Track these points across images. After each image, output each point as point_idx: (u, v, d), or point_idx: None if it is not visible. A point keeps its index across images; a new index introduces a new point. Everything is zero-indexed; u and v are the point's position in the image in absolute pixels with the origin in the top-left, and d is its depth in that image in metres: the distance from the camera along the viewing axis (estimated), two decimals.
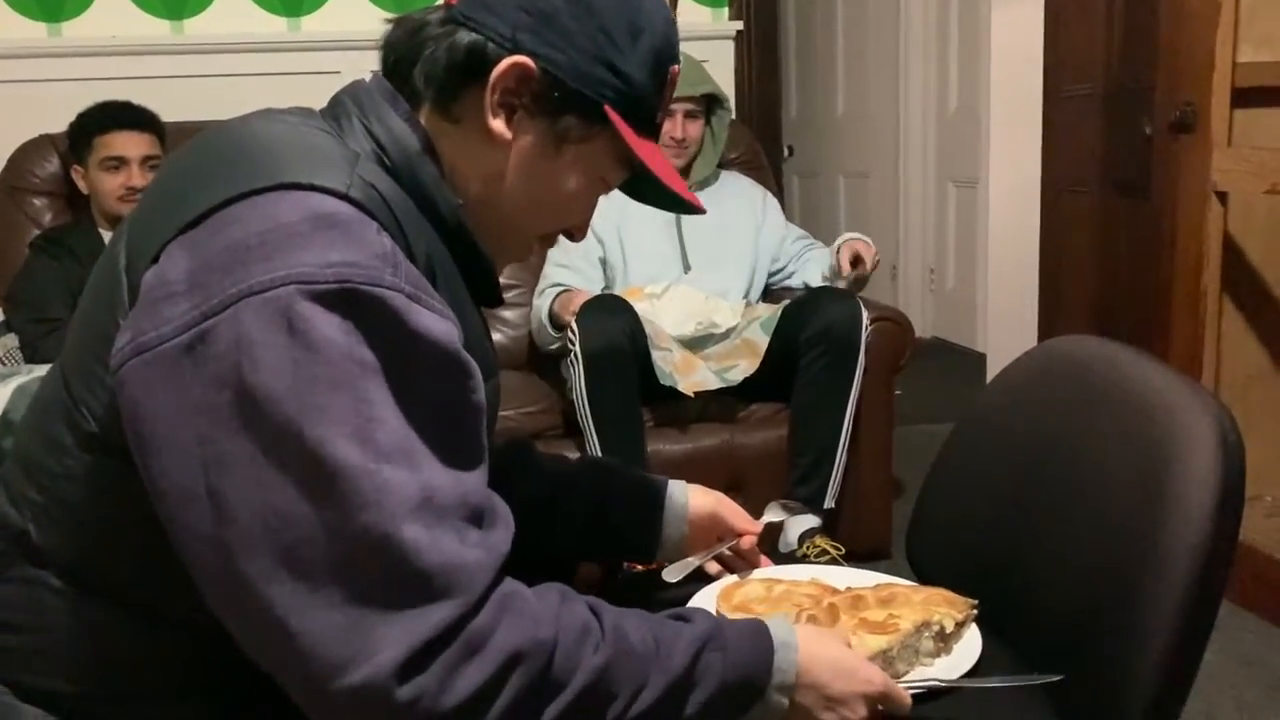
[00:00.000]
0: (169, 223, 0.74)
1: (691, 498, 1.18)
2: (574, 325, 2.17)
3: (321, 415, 0.68)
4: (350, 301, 0.69)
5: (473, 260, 0.89)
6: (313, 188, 0.73)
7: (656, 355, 2.18)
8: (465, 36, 0.83)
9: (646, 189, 0.93)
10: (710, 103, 2.48)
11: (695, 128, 2.45)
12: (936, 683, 0.99)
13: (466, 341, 0.81)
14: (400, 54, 0.87)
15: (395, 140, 0.84)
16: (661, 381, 2.17)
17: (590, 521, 1.16)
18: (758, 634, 0.84)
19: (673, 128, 2.41)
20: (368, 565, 0.68)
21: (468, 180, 0.87)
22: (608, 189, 0.93)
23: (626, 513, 1.17)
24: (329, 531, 0.68)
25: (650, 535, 1.16)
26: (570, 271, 2.43)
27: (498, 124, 0.85)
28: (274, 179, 0.73)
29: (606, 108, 0.85)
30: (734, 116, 2.54)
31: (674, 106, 2.39)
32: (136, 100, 2.38)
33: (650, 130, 0.91)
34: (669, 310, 2.32)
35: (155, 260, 0.73)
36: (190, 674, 0.82)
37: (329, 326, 0.69)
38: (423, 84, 0.85)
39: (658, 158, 0.90)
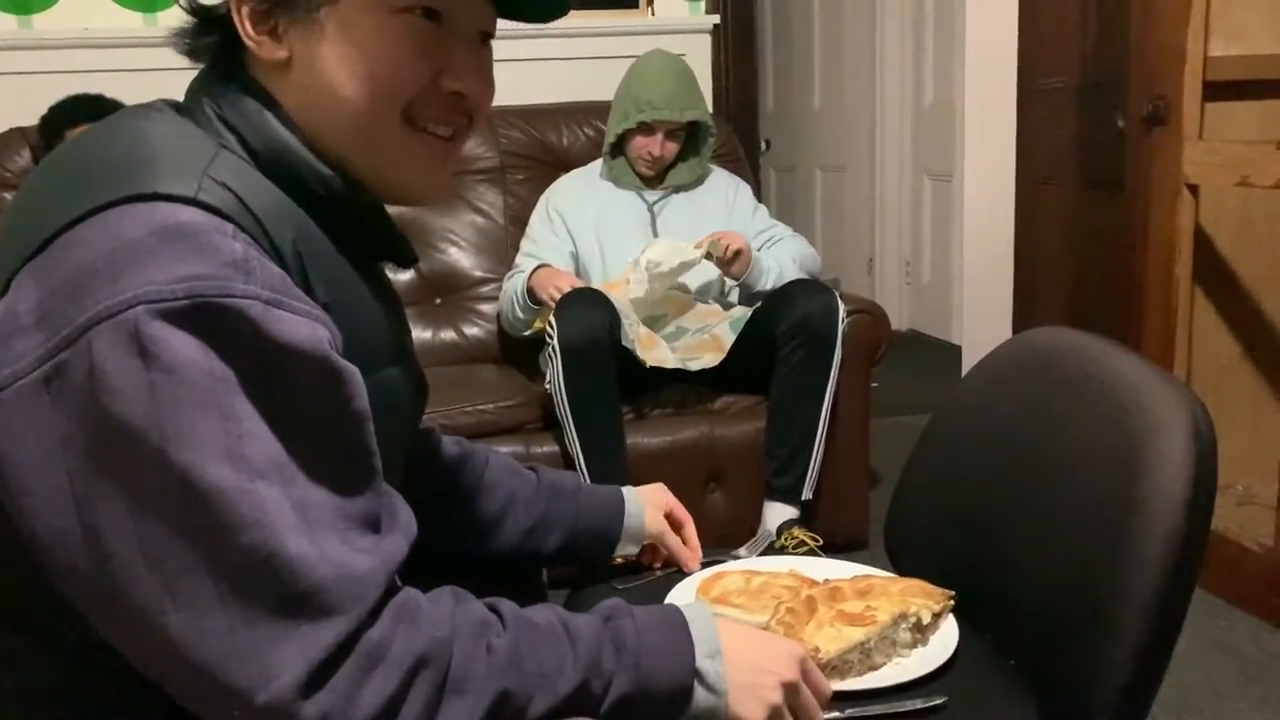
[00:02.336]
0: (16, 252, 0.71)
1: (647, 518, 1.22)
2: (552, 319, 2.16)
3: (187, 438, 0.66)
4: (203, 316, 0.66)
5: (367, 224, 0.86)
6: (157, 197, 0.70)
7: (624, 323, 2.18)
8: None
9: None
10: (697, 125, 2.48)
11: (673, 148, 2.45)
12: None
13: (357, 331, 0.79)
14: (186, 49, 0.85)
15: (249, 122, 0.81)
16: (621, 342, 2.17)
17: (546, 543, 1.17)
18: (665, 609, 0.84)
19: (650, 144, 2.41)
20: (256, 587, 0.66)
21: (296, 114, 0.82)
22: (431, 17, 0.82)
23: (585, 538, 1.19)
24: (211, 557, 0.66)
25: (605, 554, 1.22)
26: (534, 261, 2.43)
27: (267, 51, 0.80)
28: (117, 193, 0.70)
29: None
30: (715, 135, 2.53)
31: (657, 125, 2.39)
32: (109, 93, 2.36)
33: None
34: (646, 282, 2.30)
35: (4, 293, 0.70)
36: (108, 701, 0.78)
37: (183, 345, 0.66)
38: (213, 61, 0.83)
39: None
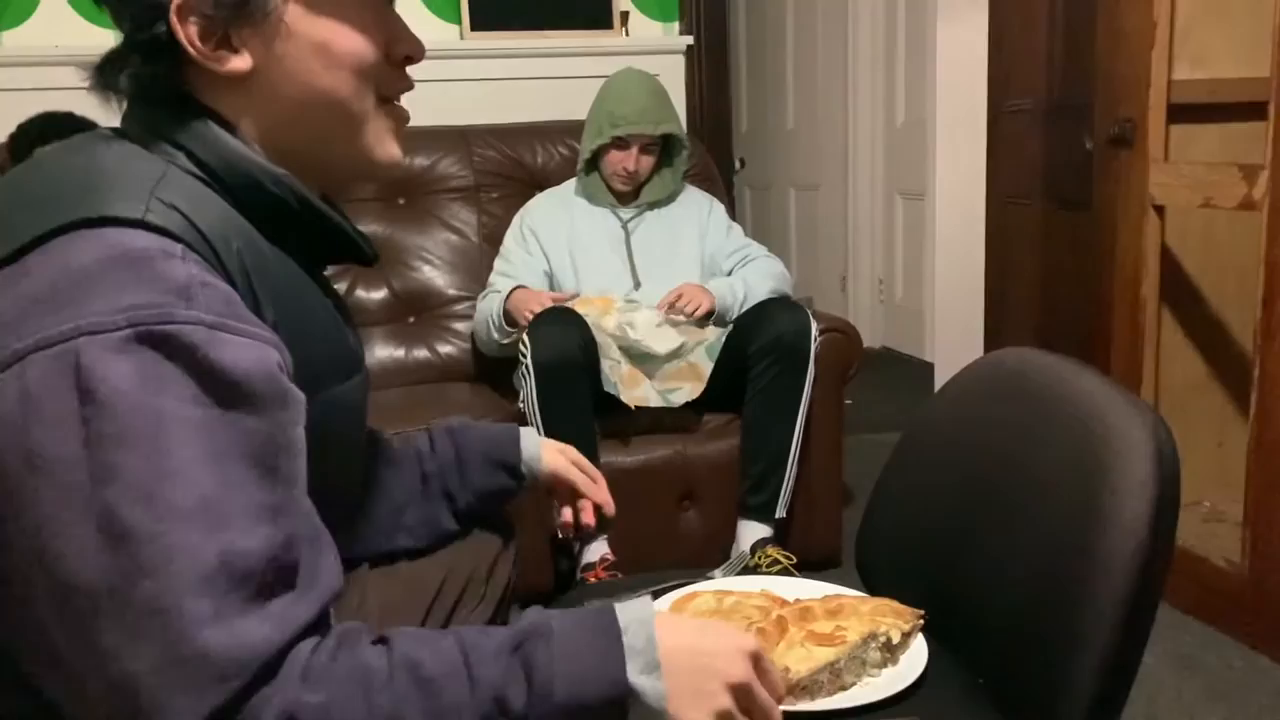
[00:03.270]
0: None
1: (543, 453, 1.25)
2: (525, 338, 2.17)
3: (111, 475, 0.64)
4: (145, 345, 0.66)
5: (326, 225, 0.86)
6: (104, 221, 0.70)
7: (605, 365, 2.19)
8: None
9: None
10: (675, 140, 2.49)
11: (648, 162, 2.47)
12: None
13: (308, 346, 0.79)
14: (105, 83, 0.85)
15: (195, 137, 0.80)
16: (604, 388, 2.18)
17: (461, 490, 1.19)
18: (601, 619, 0.75)
19: (625, 159, 2.42)
20: (148, 639, 0.64)
21: (264, 125, 0.82)
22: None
23: (491, 467, 1.21)
24: (113, 601, 0.64)
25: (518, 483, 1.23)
26: (512, 281, 2.43)
27: (226, 65, 0.80)
28: (65, 218, 0.70)
29: None
30: (688, 149, 2.55)
31: (632, 140, 2.41)
32: (80, 111, 2.34)
33: None
34: (644, 325, 2.31)
35: None
36: None
37: (120, 377, 0.65)
38: (149, 84, 0.82)
39: None
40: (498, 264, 2.51)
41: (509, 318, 2.35)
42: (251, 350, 0.70)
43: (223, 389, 0.68)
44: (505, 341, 2.38)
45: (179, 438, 0.66)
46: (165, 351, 0.66)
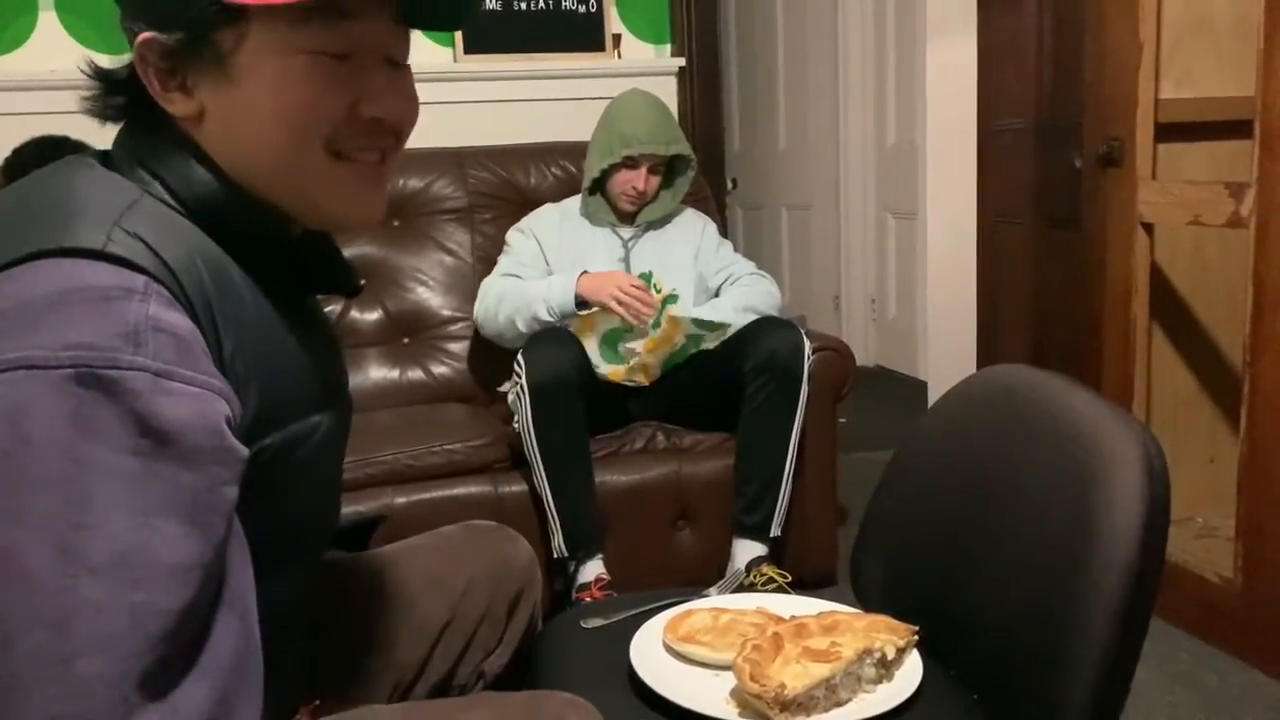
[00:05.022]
0: None
1: None
2: (520, 358, 2.17)
3: (19, 518, 0.62)
4: (85, 387, 0.64)
5: (304, 256, 0.86)
6: (64, 252, 0.69)
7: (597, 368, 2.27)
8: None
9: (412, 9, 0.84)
10: (678, 160, 2.51)
11: (655, 182, 2.48)
12: None
13: (275, 379, 0.78)
14: (92, 111, 0.86)
15: (169, 167, 0.81)
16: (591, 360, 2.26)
17: None
18: None
19: (635, 179, 2.43)
20: (30, 693, 0.61)
21: (242, 164, 0.82)
22: (337, 57, 0.81)
23: None
24: (4, 650, 0.61)
25: None
26: (523, 268, 2.45)
27: (178, 106, 0.81)
28: (29, 247, 0.69)
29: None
30: (695, 170, 2.56)
31: (642, 160, 2.42)
32: (74, 135, 2.35)
33: None
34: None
35: None
36: None
37: (53, 417, 0.63)
38: (129, 118, 0.83)
39: None
40: (507, 259, 2.50)
41: (580, 301, 2.29)
42: (195, 403, 0.68)
43: (159, 440, 0.66)
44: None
45: (104, 487, 0.64)
46: (105, 396, 0.65)
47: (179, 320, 0.71)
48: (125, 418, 0.65)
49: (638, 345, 2.31)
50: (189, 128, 0.83)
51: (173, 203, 0.80)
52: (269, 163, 0.82)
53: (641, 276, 2.39)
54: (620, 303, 2.24)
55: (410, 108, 0.88)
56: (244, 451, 0.72)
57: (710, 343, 2.33)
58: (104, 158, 0.84)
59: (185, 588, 0.66)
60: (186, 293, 0.73)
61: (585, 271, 2.34)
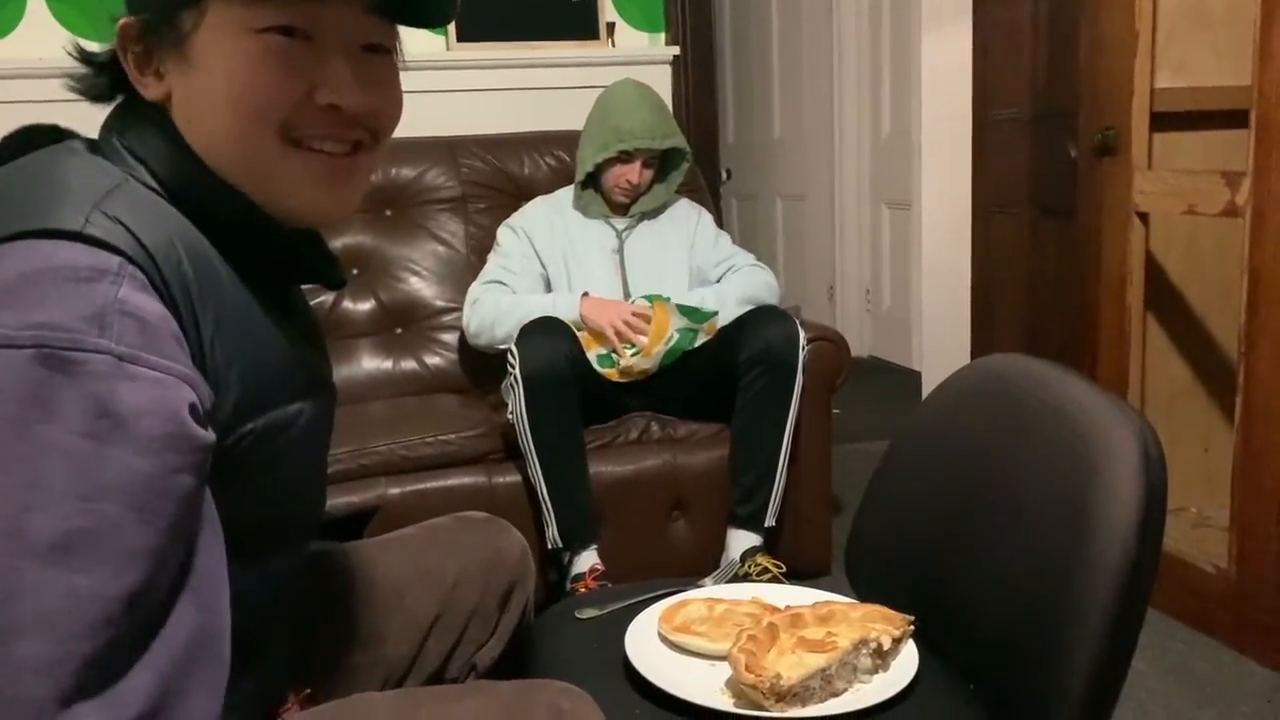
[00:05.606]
0: None
1: None
2: (514, 348, 2.16)
3: None
4: (45, 367, 0.64)
5: (285, 248, 0.85)
6: (43, 233, 0.69)
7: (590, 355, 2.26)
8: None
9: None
10: (672, 152, 2.50)
11: (649, 175, 2.47)
12: None
13: (254, 365, 0.78)
14: (83, 92, 0.87)
15: (154, 152, 0.81)
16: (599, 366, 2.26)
17: None
18: None
19: (630, 173, 2.42)
20: None
21: (206, 149, 0.81)
22: (291, 35, 0.80)
23: None
24: None
25: None
26: (512, 275, 2.43)
27: (152, 90, 0.82)
28: (4, 230, 0.69)
29: None
30: (690, 161, 2.55)
31: (637, 154, 2.41)
32: (65, 123, 2.34)
33: None
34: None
35: None
36: None
37: (8, 396, 0.63)
38: (118, 99, 0.84)
39: None
40: (496, 261, 2.48)
41: (589, 323, 2.30)
42: (155, 389, 0.67)
43: (114, 424, 0.65)
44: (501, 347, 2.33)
45: (55, 468, 0.63)
46: (65, 378, 0.64)
47: (149, 304, 0.70)
48: (83, 400, 0.64)
49: (632, 355, 2.30)
50: (170, 113, 0.83)
51: (156, 187, 0.80)
52: (227, 150, 0.81)
53: (645, 298, 2.37)
54: (617, 333, 2.26)
55: (377, 98, 0.84)
56: (207, 439, 0.71)
57: (704, 337, 2.31)
58: (92, 145, 0.84)
59: (131, 574, 0.65)
60: (164, 276, 0.73)
61: (587, 294, 2.35)
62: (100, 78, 0.85)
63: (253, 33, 0.79)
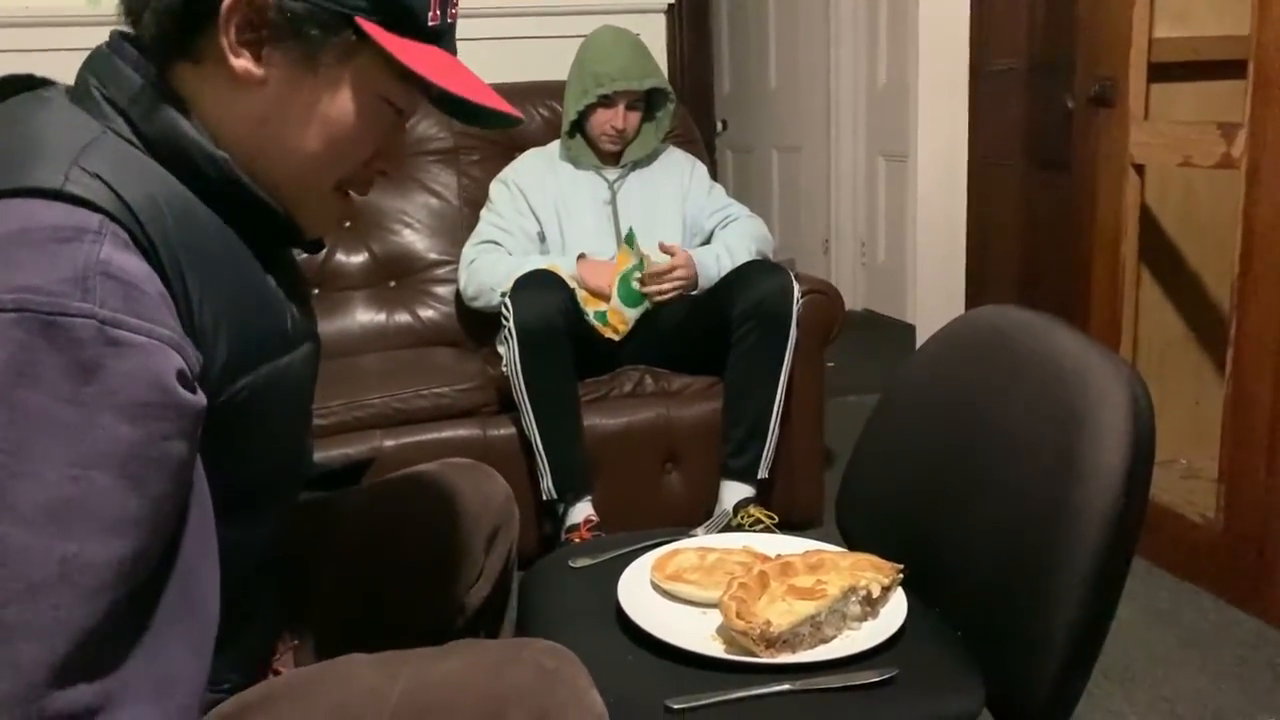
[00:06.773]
0: None
1: None
2: (508, 301, 2.16)
3: None
4: (27, 332, 0.62)
5: (260, 214, 0.84)
6: (21, 192, 0.67)
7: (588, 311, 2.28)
8: None
9: (464, 106, 0.87)
10: (656, 94, 2.48)
11: (635, 119, 2.45)
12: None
13: (243, 319, 0.77)
14: (132, 5, 0.82)
15: (137, 104, 0.78)
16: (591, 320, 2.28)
17: None
18: None
19: (614, 117, 2.40)
20: None
21: (235, 129, 0.81)
22: (399, 112, 0.86)
23: None
24: None
25: None
26: (505, 233, 2.42)
27: (241, 63, 0.79)
28: None
29: (359, 19, 0.79)
30: (674, 101, 2.52)
31: (617, 97, 2.39)
32: (51, 74, 2.31)
33: (427, 35, 0.84)
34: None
35: None
36: None
37: None
38: (156, 33, 0.79)
39: (441, 65, 0.84)
40: (489, 219, 2.47)
41: (586, 287, 2.32)
42: (140, 355, 0.66)
43: (100, 391, 0.64)
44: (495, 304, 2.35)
45: (41, 435, 0.62)
46: (48, 343, 0.63)
47: (133, 264, 0.69)
48: (68, 366, 0.63)
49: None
50: (201, 85, 0.80)
51: (135, 141, 0.78)
52: (283, 165, 0.83)
53: (626, 238, 2.37)
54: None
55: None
56: (196, 403, 0.70)
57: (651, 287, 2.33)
58: (67, 93, 0.82)
59: (119, 541, 0.64)
60: (148, 234, 0.72)
61: (583, 255, 2.37)
62: (182, 19, 0.79)
63: (378, 96, 0.83)
